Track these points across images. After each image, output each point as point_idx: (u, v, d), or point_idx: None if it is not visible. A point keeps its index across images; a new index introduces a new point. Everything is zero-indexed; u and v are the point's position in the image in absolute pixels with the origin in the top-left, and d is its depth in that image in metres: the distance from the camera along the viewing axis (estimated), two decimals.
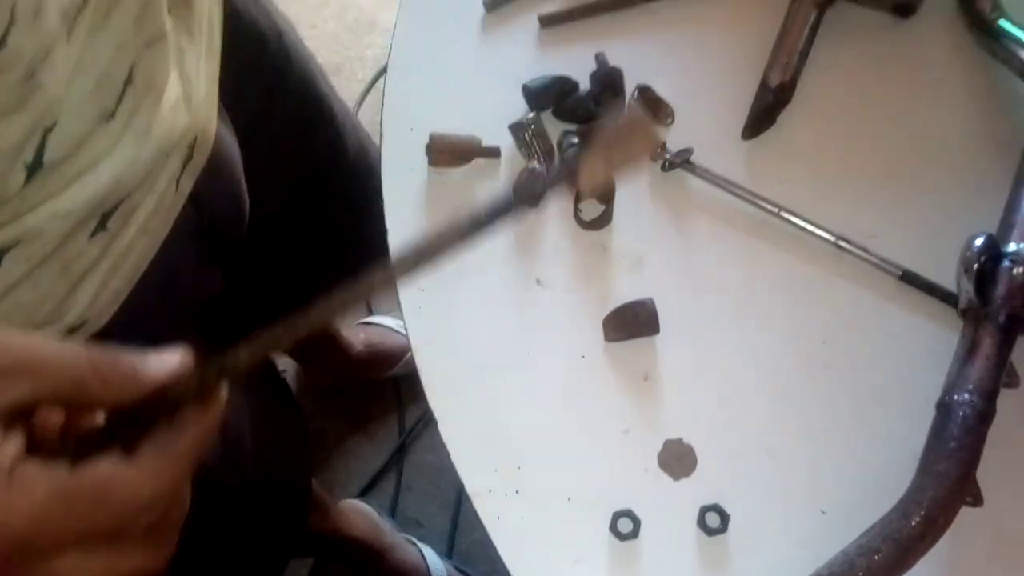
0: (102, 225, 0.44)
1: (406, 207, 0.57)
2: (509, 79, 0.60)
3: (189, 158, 0.51)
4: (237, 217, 0.63)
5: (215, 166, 0.55)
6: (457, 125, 0.58)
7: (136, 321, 0.50)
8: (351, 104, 1.51)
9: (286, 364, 1.33)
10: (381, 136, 0.59)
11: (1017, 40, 0.58)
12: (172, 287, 0.55)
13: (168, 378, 0.31)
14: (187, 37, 0.51)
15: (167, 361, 0.31)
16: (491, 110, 0.59)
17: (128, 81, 0.43)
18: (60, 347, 0.30)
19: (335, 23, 1.64)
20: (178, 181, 0.50)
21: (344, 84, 1.54)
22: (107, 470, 0.29)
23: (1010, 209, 0.52)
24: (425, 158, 0.57)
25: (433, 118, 0.59)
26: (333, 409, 1.36)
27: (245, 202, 0.64)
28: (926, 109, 0.60)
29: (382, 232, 0.57)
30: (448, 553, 1.24)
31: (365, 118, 1.45)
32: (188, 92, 0.50)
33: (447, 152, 0.57)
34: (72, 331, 0.46)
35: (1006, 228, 0.51)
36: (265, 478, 0.72)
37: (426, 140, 0.57)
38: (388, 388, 1.33)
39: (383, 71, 1.19)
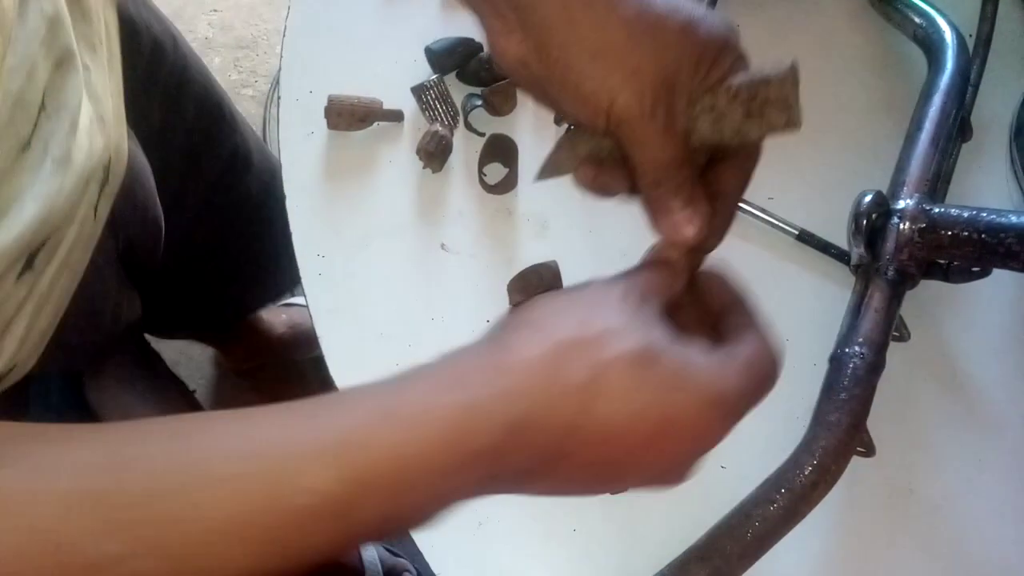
0: (28, 265, 0.41)
1: (304, 171, 0.55)
2: (412, 41, 0.59)
3: (105, 182, 0.48)
4: (152, 237, 0.61)
5: (128, 187, 0.52)
6: (358, 87, 0.56)
7: (60, 359, 0.47)
8: (268, 80, 1.47)
9: (204, 349, 1.30)
10: (279, 98, 0.57)
11: (910, 4, 0.59)
12: (93, 320, 0.53)
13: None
14: (89, 53, 0.47)
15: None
16: (393, 72, 0.58)
17: (41, 107, 0.40)
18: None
19: None
20: (96, 208, 0.47)
21: (262, 59, 1.49)
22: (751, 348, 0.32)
23: (900, 169, 0.53)
24: (324, 121, 0.56)
25: (333, 80, 0.57)
26: (255, 393, 1.32)
27: (160, 221, 0.61)
28: (823, 73, 0.61)
29: (287, 239, 0.54)
30: None
31: None
32: (99, 112, 0.46)
33: (346, 115, 0.55)
34: (1, 380, 0.43)
35: (896, 186, 0.52)
36: None
37: (325, 103, 0.55)
38: (313, 369, 1.30)
39: None
